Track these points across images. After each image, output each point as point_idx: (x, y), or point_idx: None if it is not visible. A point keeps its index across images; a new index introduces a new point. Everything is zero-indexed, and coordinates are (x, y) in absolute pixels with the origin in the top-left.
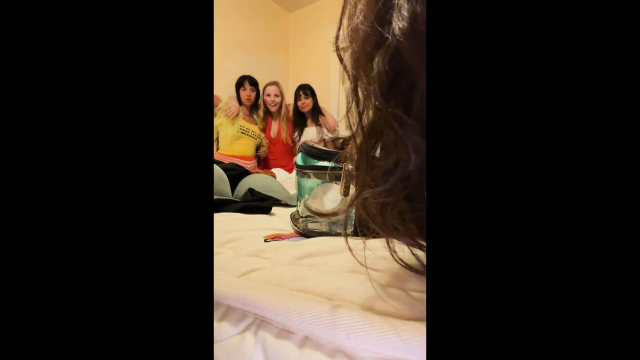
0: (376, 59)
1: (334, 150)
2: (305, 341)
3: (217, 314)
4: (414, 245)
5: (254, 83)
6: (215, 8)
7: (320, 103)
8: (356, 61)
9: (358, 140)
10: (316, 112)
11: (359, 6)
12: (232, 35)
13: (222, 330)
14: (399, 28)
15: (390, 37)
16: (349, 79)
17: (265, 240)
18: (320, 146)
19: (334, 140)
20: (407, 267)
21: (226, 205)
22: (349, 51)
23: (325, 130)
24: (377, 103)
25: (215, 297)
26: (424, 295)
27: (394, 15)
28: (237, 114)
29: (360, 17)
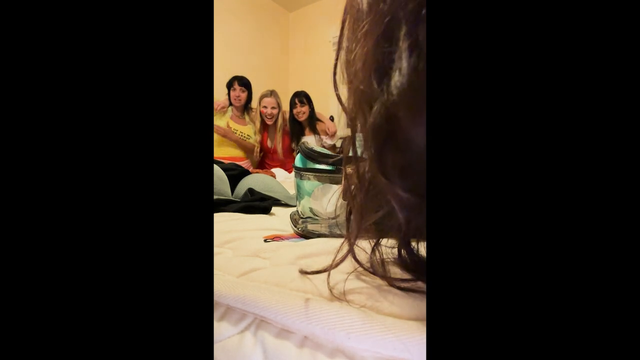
0: (373, 111)
1: (333, 154)
2: (305, 341)
3: (216, 314)
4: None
5: (244, 84)
6: (214, 7)
7: (321, 102)
8: (353, 117)
9: (352, 186)
10: (313, 119)
11: (358, 53)
12: (231, 35)
13: (222, 330)
14: (396, 86)
15: (386, 95)
16: (348, 127)
17: (265, 241)
18: (319, 148)
19: (332, 147)
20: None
21: (226, 205)
22: (347, 100)
23: (324, 137)
24: (370, 171)
25: (215, 297)
26: (423, 295)
27: (394, 70)
28: (224, 108)
29: (359, 67)
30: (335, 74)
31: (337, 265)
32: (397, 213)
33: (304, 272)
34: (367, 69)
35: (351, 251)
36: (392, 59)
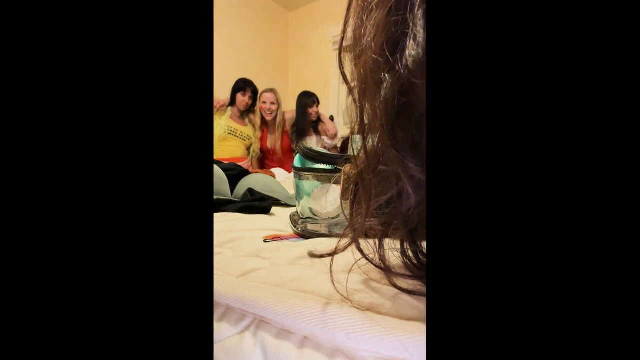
0: (384, 85)
1: (332, 153)
2: (305, 341)
3: (216, 314)
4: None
5: (255, 91)
6: (214, 7)
7: (321, 103)
8: (362, 90)
9: (359, 164)
10: (317, 120)
11: (369, 26)
12: (231, 34)
13: (222, 330)
14: (412, 57)
15: (401, 68)
16: (355, 105)
17: (265, 241)
18: (318, 148)
19: (334, 148)
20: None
21: (225, 205)
22: (355, 73)
23: (325, 138)
24: (381, 141)
25: (215, 297)
26: (423, 295)
27: (408, 41)
28: (224, 107)
29: (369, 39)
30: (341, 52)
31: (343, 249)
32: (406, 195)
33: (312, 255)
34: (380, 39)
35: (356, 238)
36: (406, 27)
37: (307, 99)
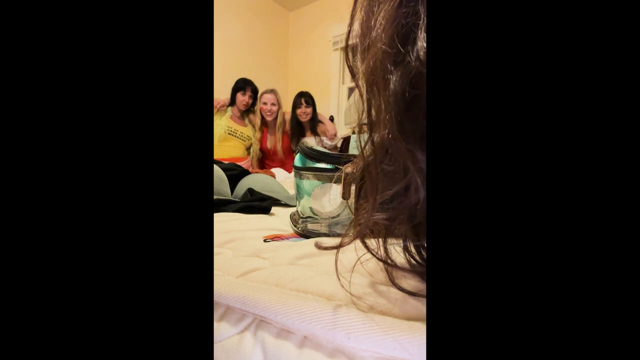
0: (393, 77)
1: (332, 153)
2: (305, 341)
3: (216, 314)
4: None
5: (255, 90)
6: (214, 7)
7: (320, 102)
8: (371, 81)
9: (366, 155)
10: (315, 121)
11: (379, 18)
12: (230, 34)
13: (222, 330)
14: (424, 48)
15: (412, 60)
16: (362, 99)
17: (265, 241)
18: (319, 147)
19: (334, 148)
20: (399, 267)
21: (225, 205)
22: (363, 66)
23: (324, 139)
24: (390, 133)
25: (215, 297)
26: (424, 296)
27: (419, 33)
28: (224, 107)
29: (379, 31)
30: (347, 46)
31: (349, 242)
32: (414, 188)
33: (319, 246)
34: (389, 31)
35: (362, 232)
36: (418, 18)
37: (296, 99)
